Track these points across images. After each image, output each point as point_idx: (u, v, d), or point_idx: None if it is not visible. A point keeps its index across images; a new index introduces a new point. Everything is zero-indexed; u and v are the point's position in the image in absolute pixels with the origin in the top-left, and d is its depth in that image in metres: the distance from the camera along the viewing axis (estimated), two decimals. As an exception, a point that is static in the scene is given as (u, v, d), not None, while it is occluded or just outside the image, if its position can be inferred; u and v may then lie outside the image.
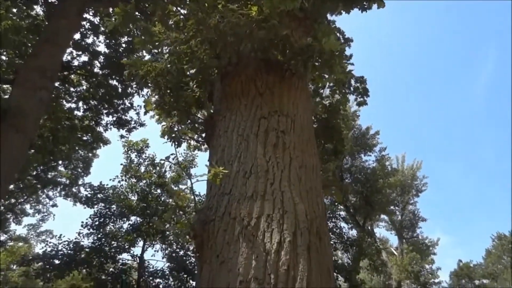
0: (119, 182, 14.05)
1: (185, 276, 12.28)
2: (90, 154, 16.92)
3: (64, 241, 11.87)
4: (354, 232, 19.90)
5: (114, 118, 11.85)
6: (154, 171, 14.85)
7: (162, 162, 14.57)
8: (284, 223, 1.86)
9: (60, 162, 15.02)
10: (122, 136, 13.04)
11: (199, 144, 4.16)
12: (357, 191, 21.23)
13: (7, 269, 24.39)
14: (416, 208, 28.85)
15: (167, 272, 13.21)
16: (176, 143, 3.26)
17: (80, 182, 17.63)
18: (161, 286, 12.47)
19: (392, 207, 27.08)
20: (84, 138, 12.33)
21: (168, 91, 3.05)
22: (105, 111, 11.68)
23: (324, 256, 1.91)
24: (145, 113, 3.47)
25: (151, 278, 13.53)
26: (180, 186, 15.06)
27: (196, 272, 12.47)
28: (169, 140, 3.28)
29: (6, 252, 23.34)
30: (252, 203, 1.95)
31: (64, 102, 11.14)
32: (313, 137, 2.61)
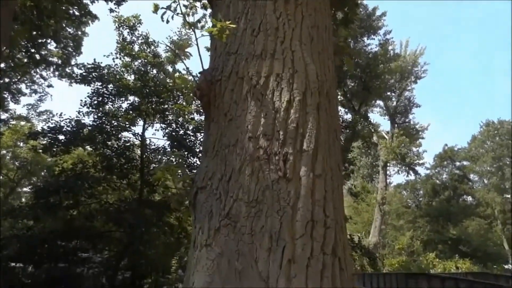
0: (113, 60, 13.65)
1: (185, 152, 12.90)
2: (79, 32, 16.02)
3: (66, 119, 12.11)
4: (349, 116, 20.46)
5: (101, -12, 10.82)
6: (148, 50, 14.31)
7: (158, 42, 13.92)
8: (294, 82, 1.78)
9: (49, 40, 14.30)
10: (111, 10, 12.15)
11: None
12: (356, 76, 21.00)
13: (15, 146, 25.43)
14: (412, 94, 29.12)
15: (168, 149, 13.86)
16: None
17: (73, 63, 17.13)
18: (164, 160, 13.20)
19: (388, 93, 27.28)
20: (70, 11, 11.46)
21: None
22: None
23: (333, 118, 1.89)
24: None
25: (153, 155, 14.30)
26: (177, 67, 14.69)
27: (195, 149, 13.02)
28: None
29: (10, 131, 24.04)
30: (260, 62, 1.83)
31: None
32: (326, -4, 2.35)
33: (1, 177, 25.34)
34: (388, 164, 29.35)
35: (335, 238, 1.57)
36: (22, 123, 25.65)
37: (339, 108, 17.17)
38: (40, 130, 12.01)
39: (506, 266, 27.29)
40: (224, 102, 1.87)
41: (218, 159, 1.77)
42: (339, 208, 1.69)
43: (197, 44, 1.86)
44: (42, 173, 25.03)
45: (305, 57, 1.87)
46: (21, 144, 25.02)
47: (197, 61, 1.95)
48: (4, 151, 25.75)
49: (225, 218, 1.62)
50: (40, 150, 12.18)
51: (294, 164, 1.63)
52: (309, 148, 1.67)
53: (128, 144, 13.26)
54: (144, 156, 13.64)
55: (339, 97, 19.54)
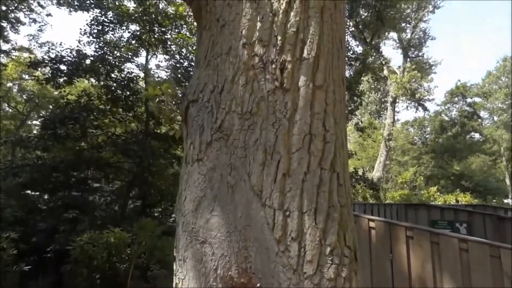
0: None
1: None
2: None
3: (66, 49, 11.77)
4: (360, 49, 19.59)
5: None
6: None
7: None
8: (296, -19, 1.55)
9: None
10: None
11: None
12: (369, 5, 19.70)
13: (20, 78, 25.27)
14: (428, 26, 27.52)
15: (173, 81, 13.60)
16: None
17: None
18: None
19: (403, 24, 25.78)
20: None
21: None
22: None
23: (338, 25, 1.68)
24: None
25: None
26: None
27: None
28: None
29: (14, 62, 23.70)
30: (258, -43, 1.58)
31: None
32: None
33: (10, 109, 25.60)
34: (397, 100, 28.83)
35: (334, 153, 1.47)
36: (25, 54, 25.15)
37: (349, 39, 16.34)
38: (41, 60, 11.74)
39: (505, 201, 28.00)
40: (217, 6, 1.66)
41: (210, 70, 1.62)
42: (340, 123, 1.56)
43: None
44: (51, 106, 25.17)
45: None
46: (27, 76, 24.82)
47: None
48: (11, 84, 25.66)
49: (217, 131, 1.51)
50: (44, 82, 12.05)
51: (293, 73, 1.47)
52: (310, 56, 1.50)
53: (131, 75, 13.02)
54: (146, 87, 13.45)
55: (350, 28, 18.52)
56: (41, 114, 26.28)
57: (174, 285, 1.59)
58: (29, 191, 11.47)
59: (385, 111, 35.39)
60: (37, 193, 11.70)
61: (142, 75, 14.02)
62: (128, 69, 13.10)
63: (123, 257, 7.65)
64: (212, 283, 1.44)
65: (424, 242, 4.14)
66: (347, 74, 15.48)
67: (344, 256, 1.36)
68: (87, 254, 7.08)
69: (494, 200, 27.47)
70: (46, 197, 11.74)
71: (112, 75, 12.64)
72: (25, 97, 26.10)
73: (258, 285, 1.38)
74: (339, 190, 1.45)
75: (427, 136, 39.13)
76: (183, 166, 1.67)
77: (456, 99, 37.13)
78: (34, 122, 28.32)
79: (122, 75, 12.90)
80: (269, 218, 1.36)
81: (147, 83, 13.28)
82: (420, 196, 20.87)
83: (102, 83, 12.61)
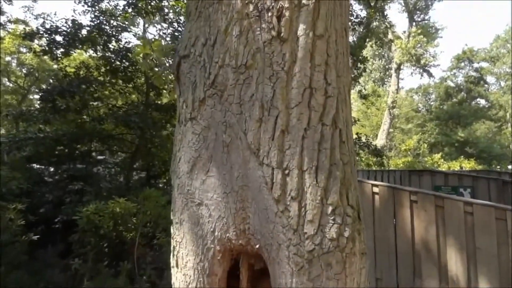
0: None
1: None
2: None
3: (61, 19, 11.45)
4: (364, 13, 18.93)
5: None
6: None
7: None
8: None
9: None
10: None
11: None
12: (374, -35, 18.83)
13: (18, 52, 24.90)
14: (435, -13, 26.46)
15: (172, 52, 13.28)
16: None
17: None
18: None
19: (410, -14, 24.82)
20: None
21: None
22: None
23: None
24: None
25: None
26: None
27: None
28: None
29: (10, 35, 23.26)
30: None
31: None
32: None
33: (10, 84, 25.42)
34: (402, 66, 28.24)
35: (337, 108, 1.37)
36: (21, 27, 24.62)
37: (352, 2, 15.71)
38: (37, 31, 11.44)
39: (510, 167, 27.96)
40: (207, -51, 1.51)
41: (201, 21, 1.50)
42: (343, 77, 1.45)
43: None
44: (51, 80, 24.93)
45: None
46: (24, 50, 24.43)
47: None
48: (9, 58, 25.32)
49: (211, 87, 1.41)
50: (41, 54, 11.81)
51: (291, 22, 1.35)
52: (310, 2, 1.36)
53: (129, 46, 12.72)
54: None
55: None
56: (42, 88, 26.11)
57: (171, 248, 1.55)
58: (34, 165, 11.53)
59: (389, 78, 34.79)
60: (43, 166, 11.77)
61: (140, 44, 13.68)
62: (125, 38, 12.80)
63: (129, 226, 7.76)
64: (209, 245, 1.39)
65: (428, 206, 4.11)
66: (350, 39, 15.01)
67: (346, 216, 1.29)
68: (93, 224, 7.18)
69: (499, 166, 27.45)
70: (51, 169, 11.80)
71: (110, 46, 12.36)
72: (24, 71, 25.83)
73: (257, 246, 1.33)
74: (342, 147, 1.36)
75: (432, 103, 38.62)
76: (176, 126, 1.59)
77: (463, 64, 36.26)
78: (36, 96, 28.19)
79: (120, 45, 12.61)
80: (267, 177, 1.29)
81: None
82: (424, 163, 20.87)
83: (100, 54, 12.35)
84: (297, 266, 1.23)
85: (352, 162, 1.42)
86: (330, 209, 1.26)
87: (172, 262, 1.54)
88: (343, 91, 1.45)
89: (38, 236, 7.46)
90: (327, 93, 1.36)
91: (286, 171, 1.28)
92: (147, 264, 7.34)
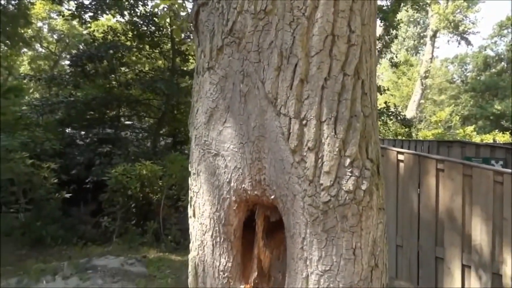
0: None
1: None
2: None
3: (88, -18, 11.43)
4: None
5: None
6: None
7: None
8: None
9: None
10: None
11: None
12: None
13: (49, 18, 25.29)
14: None
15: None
16: None
17: None
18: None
19: None
20: None
21: None
22: None
23: None
24: None
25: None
26: None
27: None
28: None
29: (41, 1, 23.56)
30: None
31: None
32: None
33: (43, 50, 26.07)
34: (438, 34, 26.65)
35: (360, 58, 1.30)
36: (50, -8, 24.87)
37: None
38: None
39: (548, 141, 26.43)
40: None
41: (221, -35, 1.43)
42: (368, 25, 1.37)
43: None
44: (81, 46, 25.40)
45: None
46: (55, 16, 24.77)
47: None
48: (41, 23, 25.81)
49: (229, 35, 1.37)
50: (70, 18, 11.97)
51: (314, -37, 1.26)
52: None
53: (155, 10, 12.63)
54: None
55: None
56: (72, 54, 26.66)
57: (189, 199, 1.58)
58: (66, 129, 12.01)
59: (423, 47, 33.08)
60: (74, 130, 12.24)
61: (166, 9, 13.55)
62: (152, 1, 12.69)
63: (155, 188, 8.04)
64: (225, 195, 1.40)
65: (455, 175, 3.98)
66: (383, 3, 14.23)
67: (365, 169, 1.25)
68: (122, 184, 7.49)
69: (536, 141, 26.04)
70: (82, 133, 12.26)
71: (136, 10, 12.33)
72: (55, 37, 26.34)
73: (272, 197, 1.33)
74: (364, 98, 1.30)
75: (468, 73, 36.60)
76: (194, 77, 1.57)
77: (506, 31, 33.76)
78: (67, 62, 28.89)
79: (146, 9, 12.56)
80: (284, 128, 1.26)
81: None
82: (455, 135, 20.10)
83: (126, 19, 12.37)
84: (312, 216, 1.22)
85: (374, 115, 1.36)
86: (348, 161, 1.23)
87: (190, 212, 1.57)
88: (368, 40, 1.36)
89: (70, 195, 7.88)
90: (350, 41, 1.28)
91: (304, 122, 1.24)
92: (172, 225, 7.64)
